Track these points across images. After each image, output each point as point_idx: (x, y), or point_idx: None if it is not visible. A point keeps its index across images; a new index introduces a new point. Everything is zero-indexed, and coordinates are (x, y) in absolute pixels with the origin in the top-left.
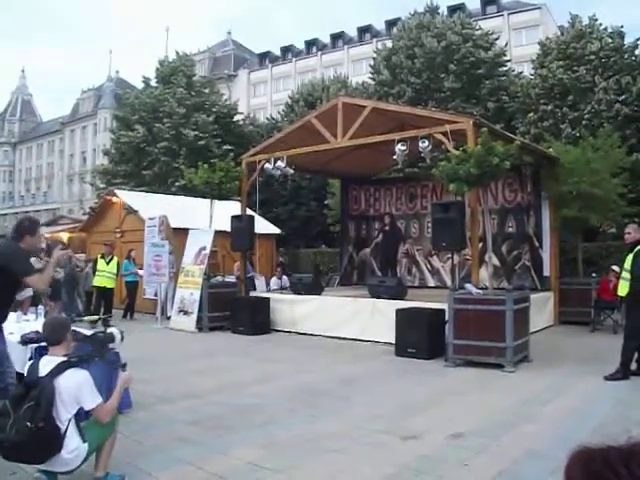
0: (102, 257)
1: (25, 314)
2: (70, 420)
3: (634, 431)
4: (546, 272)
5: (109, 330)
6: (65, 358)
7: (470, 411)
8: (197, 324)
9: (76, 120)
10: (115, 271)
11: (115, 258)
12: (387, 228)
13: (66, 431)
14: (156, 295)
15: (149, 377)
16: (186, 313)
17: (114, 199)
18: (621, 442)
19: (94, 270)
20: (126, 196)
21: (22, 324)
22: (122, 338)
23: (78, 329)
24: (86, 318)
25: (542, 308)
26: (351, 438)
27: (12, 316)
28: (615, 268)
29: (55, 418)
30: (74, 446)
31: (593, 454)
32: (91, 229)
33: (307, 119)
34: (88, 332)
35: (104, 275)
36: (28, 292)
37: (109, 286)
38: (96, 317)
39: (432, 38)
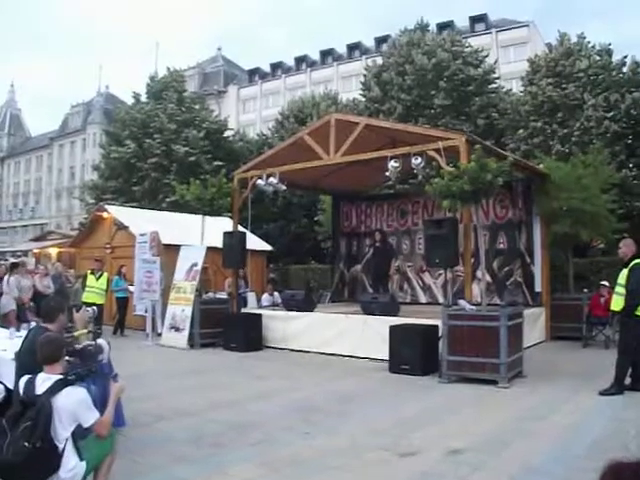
0: (92, 273)
1: (18, 330)
2: (68, 439)
3: (631, 446)
4: (538, 288)
5: (97, 342)
6: (61, 376)
7: (466, 427)
8: (189, 341)
9: (65, 135)
10: (105, 287)
11: (105, 274)
12: (378, 244)
13: (64, 450)
14: (147, 311)
15: (143, 395)
16: (177, 330)
17: (104, 214)
18: None
19: (83, 286)
20: (117, 212)
21: (15, 340)
22: (110, 348)
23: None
24: (77, 333)
25: (534, 324)
26: (349, 455)
27: (4, 332)
28: (605, 284)
29: (53, 437)
30: (72, 465)
31: (624, 467)
32: (81, 244)
33: (299, 136)
34: (77, 346)
35: (94, 291)
36: (10, 305)
37: (99, 302)
38: (85, 331)
39: (422, 55)
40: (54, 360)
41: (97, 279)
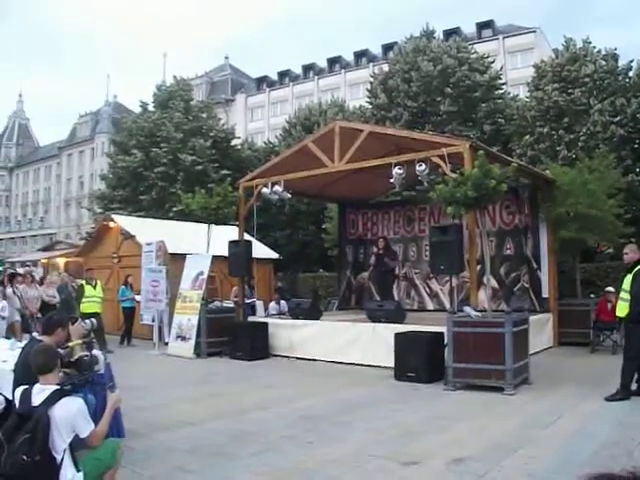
0: (87, 283)
1: (20, 341)
2: (65, 450)
3: (635, 453)
4: (545, 293)
5: (93, 352)
6: (57, 386)
7: (471, 435)
8: (195, 350)
9: (73, 145)
10: (102, 295)
11: (99, 282)
12: (381, 252)
13: (62, 461)
14: (153, 321)
15: (147, 404)
16: (184, 339)
17: (111, 224)
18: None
19: (80, 297)
20: (123, 221)
21: (16, 352)
22: (105, 359)
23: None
24: (71, 344)
25: (541, 329)
26: (351, 464)
27: (5, 343)
28: (610, 289)
29: (51, 449)
30: (70, 477)
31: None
32: (88, 254)
33: (304, 143)
34: (73, 358)
35: (94, 300)
36: (14, 316)
37: (100, 311)
38: (80, 341)
39: (428, 62)
40: (48, 370)
41: (94, 288)
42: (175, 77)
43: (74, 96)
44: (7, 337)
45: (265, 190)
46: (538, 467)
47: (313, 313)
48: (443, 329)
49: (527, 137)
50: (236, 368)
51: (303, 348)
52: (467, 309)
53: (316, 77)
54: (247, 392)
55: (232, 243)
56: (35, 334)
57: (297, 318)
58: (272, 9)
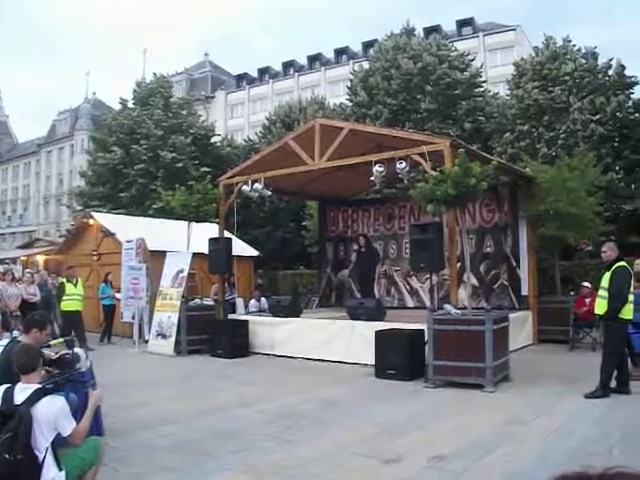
0: (68, 281)
1: (0, 339)
2: (48, 448)
3: (615, 450)
4: (524, 291)
5: (74, 350)
6: (39, 385)
7: (451, 432)
8: (175, 347)
9: (53, 141)
10: (83, 293)
11: (80, 279)
12: (363, 249)
13: (44, 460)
14: (134, 318)
15: (127, 402)
16: (164, 337)
17: (90, 221)
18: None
19: (61, 295)
20: (103, 218)
21: None
22: (87, 356)
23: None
24: (53, 342)
25: (521, 327)
26: (331, 462)
27: None
28: (586, 284)
29: (33, 447)
30: (51, 477)
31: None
32: (67, 252)
33: (284, 141)
34: (54, 356)
35: (75, 298)
36: None
37: (80, 309)
38: (62, 340)
39: (408, 59)
40: (31, 370)
41: (75, 286)
42: (155, 74)
43: (54, 93)
44: None
45: (245, 187)
46: (518, 464)
47: (293, 310)
48: (423, 327)
49: (507, 135)
50: (216, 366)
51: (283, 346)
52: (447, 307)
53: (296, 74)
54: (227, 390)
55: (212, 240)
56: (16, 333)
57: (277, 315)
58: (252, 6)
